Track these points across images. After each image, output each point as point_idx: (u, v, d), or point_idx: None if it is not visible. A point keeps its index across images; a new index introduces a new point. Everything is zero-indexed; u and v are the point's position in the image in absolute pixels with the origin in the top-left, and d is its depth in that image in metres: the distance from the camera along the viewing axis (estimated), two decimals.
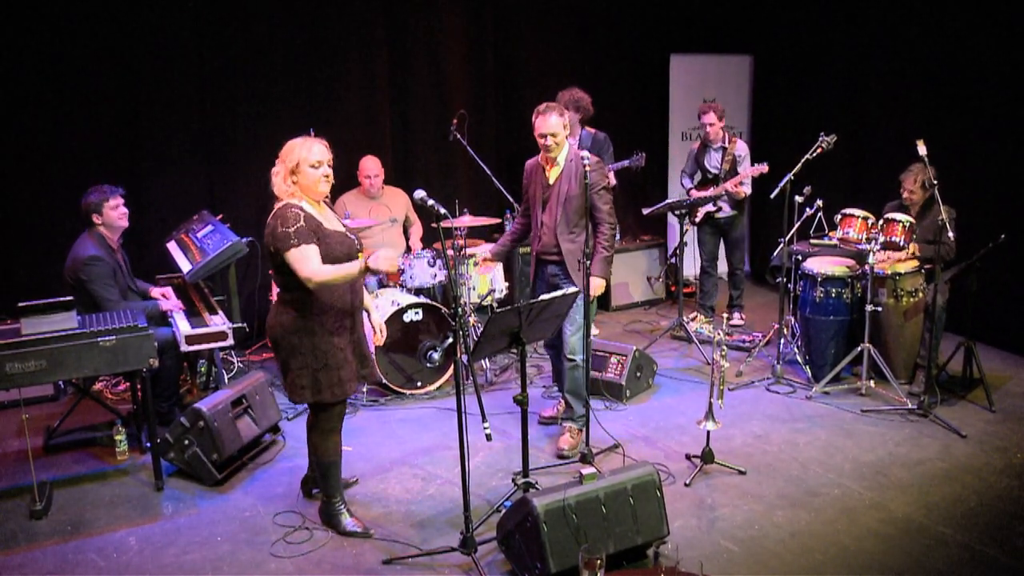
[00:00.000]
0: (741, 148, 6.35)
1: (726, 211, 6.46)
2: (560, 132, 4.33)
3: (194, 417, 4.19)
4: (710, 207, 6.43)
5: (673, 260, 7.38)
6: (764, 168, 6.01)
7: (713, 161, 6.42)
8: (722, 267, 6.87)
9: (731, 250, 6.63)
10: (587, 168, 4.15)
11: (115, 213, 4.82)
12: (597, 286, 4.35)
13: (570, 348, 4.44)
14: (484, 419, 3.33)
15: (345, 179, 5.87)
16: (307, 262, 3.34)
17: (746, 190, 6.30)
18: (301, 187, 3.45)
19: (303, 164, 3.42)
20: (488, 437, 3.30)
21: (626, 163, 6.04)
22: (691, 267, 8.03)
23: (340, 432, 3.72)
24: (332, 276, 3.38)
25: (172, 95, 6.07)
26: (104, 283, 4.63)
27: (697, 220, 6.53)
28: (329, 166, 3.49)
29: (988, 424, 4.78)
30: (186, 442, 4.20)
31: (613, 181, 6.04)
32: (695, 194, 6.46)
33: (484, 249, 4.32)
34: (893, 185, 5.39)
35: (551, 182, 4.44)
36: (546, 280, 4.56)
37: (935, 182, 4.87)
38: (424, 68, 6.92)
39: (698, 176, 6.62)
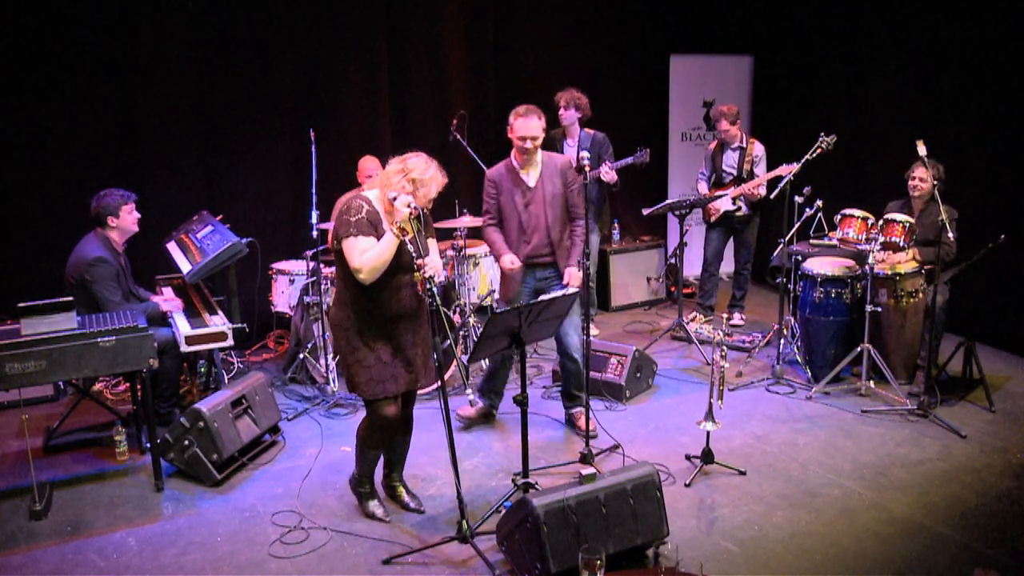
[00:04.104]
0: (759, 149, 6.31)
1: (744, 211, 6.41)
2: (540, 136, 4.38)
3: (194, 417, 4.19)
4: (730, 205, 6.38)
5: (673, 260, 7.38)
6: (795, 168, 5.57)
7: (729, 161, 6.37)
8: (726, 267, 6.83)
9: (739, 249, 6.59)
10: (587, 168, 4.16)
11: (130, 218, 4.85)
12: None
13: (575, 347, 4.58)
14: (466, 381, 3.85)
15: (345, 179, 5.87)
16: (357, 252, 3.42)
17: (762, 191, 6.21)
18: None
19: (421, 189, 3.47)
20: (471, 403, 3.65)
21: (630, 160, 5.92)
22: (691, 267, 8.04)
23: (387, 435, 3.73)
24: (374, 260, 3.41)
25: (172, 95, 6.06)
26: (108, 285, 4.64)
27: (712, 220, 6.48)
28: None
29: (988, 424, 4.78)
30: (186, 442, 4.20)
31: (615, 178, 6.02)
32: (707, 195, 6.42)
33: (511, 259, 4.44)
34: (893, 185, 5.39)
35: (531, 184, 4.48)
36: (533, 285, 4.56)
37: (938, 182, 4.87)
38: (424, 68, 6.91)
39: (712, 178, 6.52)
